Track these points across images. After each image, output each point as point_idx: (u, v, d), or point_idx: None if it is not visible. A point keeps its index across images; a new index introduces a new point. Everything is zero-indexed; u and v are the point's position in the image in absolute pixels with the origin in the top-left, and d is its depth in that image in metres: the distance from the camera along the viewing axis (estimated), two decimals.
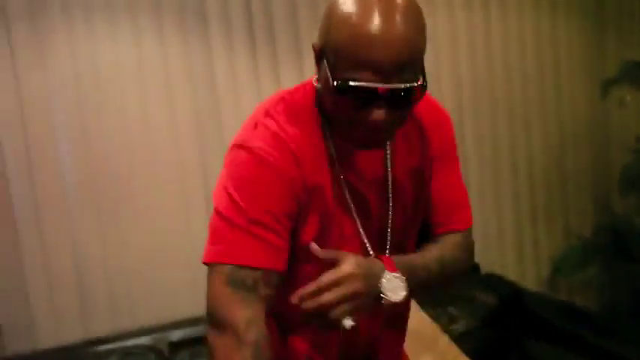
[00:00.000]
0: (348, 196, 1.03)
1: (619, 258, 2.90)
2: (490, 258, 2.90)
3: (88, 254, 2.31)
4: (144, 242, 2.36)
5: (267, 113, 1.00)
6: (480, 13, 2.79)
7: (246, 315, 0.91)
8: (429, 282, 1.07)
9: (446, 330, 2.32)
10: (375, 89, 0.87)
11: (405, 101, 0.91)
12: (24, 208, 2.24)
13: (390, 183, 1.07)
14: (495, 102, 2.87)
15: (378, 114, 0.89)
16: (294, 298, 0.94)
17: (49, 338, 2.26)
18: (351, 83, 0.87)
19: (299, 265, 1.02)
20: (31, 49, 2.21)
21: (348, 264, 0.94)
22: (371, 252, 1.06)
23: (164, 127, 2.38)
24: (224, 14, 2.41)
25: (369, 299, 0.96)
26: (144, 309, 2.38)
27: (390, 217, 1.07)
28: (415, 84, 0.90)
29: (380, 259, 1.00)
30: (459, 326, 2.44)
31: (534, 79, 2.93)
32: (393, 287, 0.97)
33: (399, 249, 1.10)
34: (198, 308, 2.36)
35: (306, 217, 1.00)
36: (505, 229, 2.95)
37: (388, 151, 1.06)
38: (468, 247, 1.16)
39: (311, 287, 0.93)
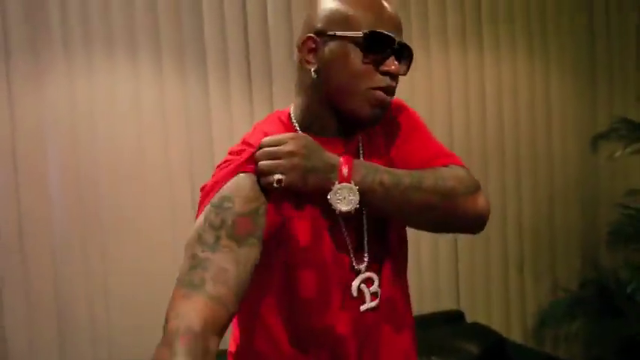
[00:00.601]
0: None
1: (605, 312, 2.91)
2: (476, 307, 2.91)
3: (70, 285, 2.29)
4: (130, 274, 2.35)
5: (244, 142, 1.11)
6: (474, 68, 2.86)
7: (180, 310, 0.89)
8: (405, 196, 1.06)
9: None
10: (394, 40, 1.05)
11: (407, 59, 1.09)
12: (8, 234, 2.23)
13: None
14: (486, 152, 2.92)
15: (395, 63, 1.05)
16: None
17: None
18: (379, 30, 1.03)
19: (298, 271, 1.06)
20: (29, 81, 2.23)
21: (293, 135, 1.05)
22: (350, 248, 1.10)
23: (157, 160, 2.39)
24: (222, 53, 2.45)
25: (304, 172, 1.02)
26: (124, 345, 2.34)
27: (365, 214, 1.12)
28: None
29: (341, 161, 1.04)
30: None
31: (526, 132, 2.99)
32: (343, 197, 1.03)
33: (378, 242, 1.14)
34: None
35: (296, 225, 1.05)
36: (492, 279, 2.96)
37: (361, 151, 1.15)
38: (458, 174, 1.12)
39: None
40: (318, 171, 1.03)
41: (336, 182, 1.02)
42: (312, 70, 1.07)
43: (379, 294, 1.12)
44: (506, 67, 2.92)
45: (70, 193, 2.29)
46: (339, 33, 1.05)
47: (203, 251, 0.94)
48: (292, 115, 1.13)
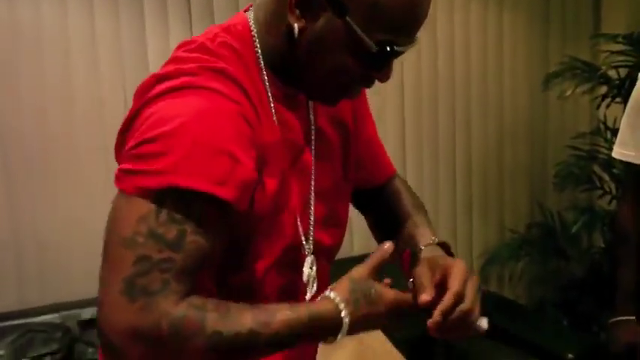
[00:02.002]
0: (286, 152, 0.93)
1: (549, 254, 3.00)
2: None
3: None
4: (58, 216, 2.26)
5: (214, 69, 0.86)
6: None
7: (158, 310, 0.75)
8: None
9: None
10: (403, 52, 0.88)
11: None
12: None
13: (313, 135, 0.99)
14: (436, 93, 2.90)
15: (389, 74, 0.90)
16: (433, 325, 0.85)
17: None
18: (396, 48, 0.85)
19: (256, 237, 0.91)
20: None
21: (461, 263, 0.91)
22: (299, 224, 0.96)
23: (87, 96, 2.27)
24: None
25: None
26: (55, 286, 2.26)
27: (313, 172, 0.98)
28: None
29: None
30: None
31: (477, 72, 2.97)
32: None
33: (329, 210, 1.01)
34: None
35: (265, 182, 0.89)
36: (440, 221, 2.98)
37: (310, 106, 0.99)
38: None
39: (447, 301, 0.85)
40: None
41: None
42: (295, 26, 0.85)
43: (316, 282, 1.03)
44: (459, 3, 2.87)
45: None
46: (349, 19, 0.82)
47: (160, 251, 0.75)
48: (259, 48, 0.92)
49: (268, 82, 0.90)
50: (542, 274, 3.11)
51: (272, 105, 0.90)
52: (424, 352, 2.46)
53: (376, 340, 2.26)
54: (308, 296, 0.98)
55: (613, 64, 2.67)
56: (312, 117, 0.99)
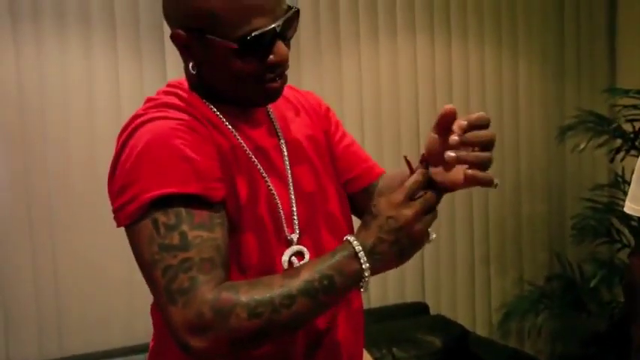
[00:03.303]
0: (254, 159, 1.02)
1: (569, 307, 2.93)
2: (441, 300, 2.90)
3: (17, 275, 2.20)
4: (79, 265, 2.27)
5: (157, 104, 1.00)
6: (441, 58, 2.84)
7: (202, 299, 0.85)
8: None
9: None
10: (274, 29, 0.94)
11: (292, 27, 0.98)
12: None
13: (285, 148, 1.07)
14: None
15: (283, 49, 0.96)
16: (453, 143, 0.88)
17: None
18: (255, 34, 0.92)
19: (240, 234, 0.98)
20: None
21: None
22: (281, 211, 1.02)
23: (110, 150, 2.27)
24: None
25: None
26: (74, 337, 2.27)
27: (291, 176, 1.05)
28: (292, 7, 0.98)
29: None
30: None
31: (493, 122, 2.91)
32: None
33: (314, 209, 1.07)
34: (131, 338, 2.28)
35: (237, 181, 0.98)
36: (457, 273, 2.94)
37: (274, 120, 1.09)
38: None
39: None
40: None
41: None
42: (190, 66, 0.99)
43: None
44: (474, 56, 2.90)
45: (17, 172, 2.20)
46: (209, 37, 0.94)
47: (175, 256, 0.86)
48: (199, 93, 1.04)
49: (219, 111, 1.02)
50: (563, 328, 3.03)
51: (229, 126, 1.01)
52: None
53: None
54: None
55: (627, 118, 2.67)
56: (278, 129, 1.08)
